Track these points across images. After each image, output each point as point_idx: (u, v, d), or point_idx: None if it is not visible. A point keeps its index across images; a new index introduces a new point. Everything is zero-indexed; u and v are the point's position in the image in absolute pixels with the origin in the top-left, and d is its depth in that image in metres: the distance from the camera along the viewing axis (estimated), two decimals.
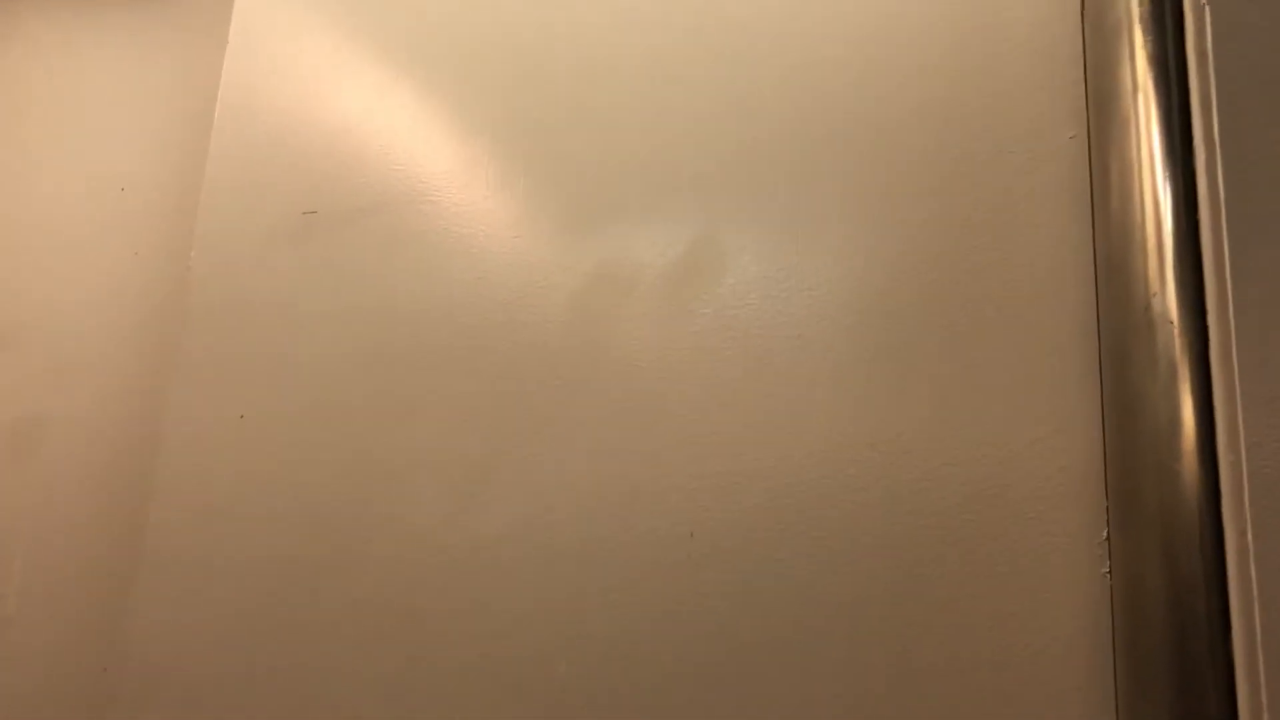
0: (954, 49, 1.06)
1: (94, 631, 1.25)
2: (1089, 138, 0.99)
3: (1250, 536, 0.76)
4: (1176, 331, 0.82)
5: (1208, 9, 0.86)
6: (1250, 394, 0.78)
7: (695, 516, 1.03)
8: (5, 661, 1.26)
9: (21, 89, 1.45)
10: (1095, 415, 0.93)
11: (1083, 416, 0.93)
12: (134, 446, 1.28)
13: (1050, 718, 0.88)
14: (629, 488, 1.06)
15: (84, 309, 1.34)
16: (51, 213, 1.37)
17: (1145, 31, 0.90)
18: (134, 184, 1.37)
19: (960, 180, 1.03)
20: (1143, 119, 0.90)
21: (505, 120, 1.22)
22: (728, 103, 1.14)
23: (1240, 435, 0.77)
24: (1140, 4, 0.91)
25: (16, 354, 1.33)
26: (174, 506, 1.23)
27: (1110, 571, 0.88)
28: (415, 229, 1.23)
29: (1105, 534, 0.89)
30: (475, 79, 1.25)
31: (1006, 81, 1.04)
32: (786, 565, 0.99)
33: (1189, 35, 0.88)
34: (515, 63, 1.24)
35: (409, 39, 1.28)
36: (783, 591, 0.99)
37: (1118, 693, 0.84)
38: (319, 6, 1.32)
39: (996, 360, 0.98)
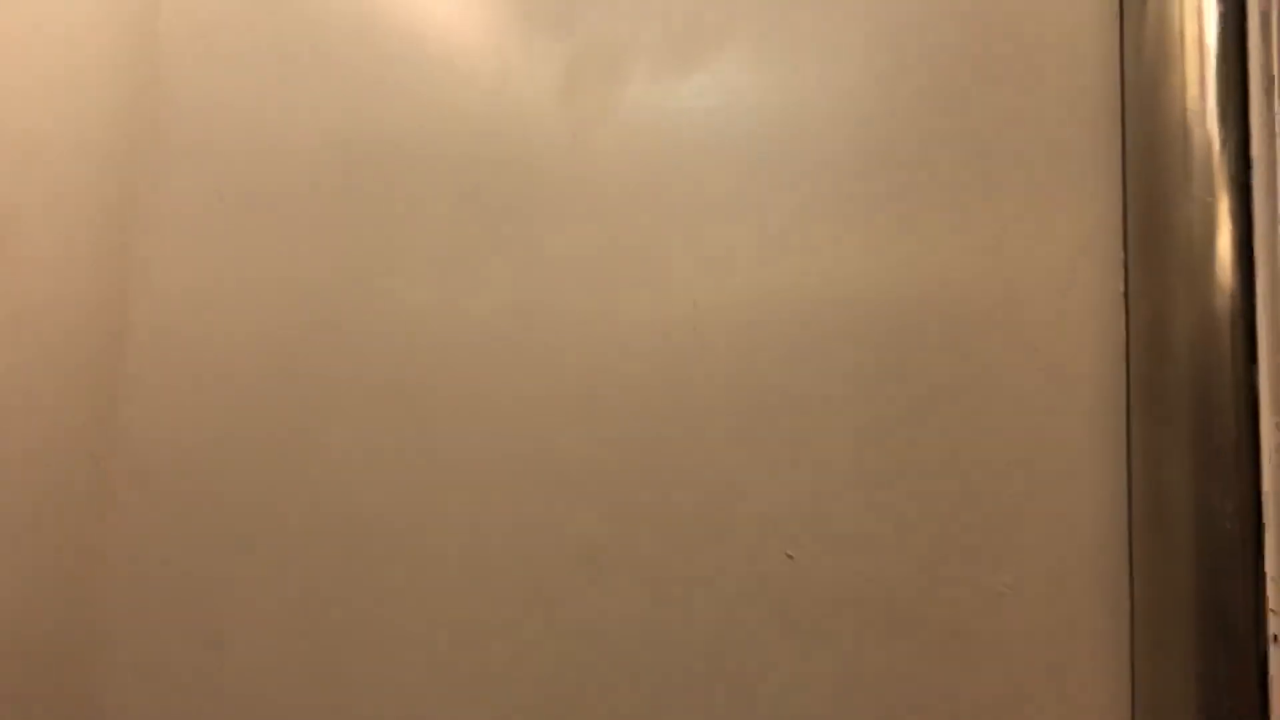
0: None
1: (83, 420, 1.23)
2: None
3: None
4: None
5: None
6: None
7: (699, 288, 1.00)
8: None
9: None
10: (1115, 170, 0.89)
11: (1103, 177, 0.89)
12: (112, 232, 1.24)
13: (1061, 457, 0.87)
14: (630, 264, 1.03)
15: (50, 93, 1.27)
16: None
17: None
18: None
19: None
20: None
21: None
22: None
23: (1278, 156, 0.73)
24: None
25: None
26: (157, 289, 1.20)
27: (1127, 326, 0.85)
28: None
29: (1123, 290, 0.86)
30: None
31: None
32: (791, 338, 0.97)
33: None
34: None
35: None
36: (786, 358, 0.96)
37: (1130, 425, 0.83)
38: None
39: (1009, 158, 0.93)
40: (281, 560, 1.11)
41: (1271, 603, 0.71)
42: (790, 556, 0.94)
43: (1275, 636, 0.71)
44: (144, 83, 1.25)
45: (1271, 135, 0.75)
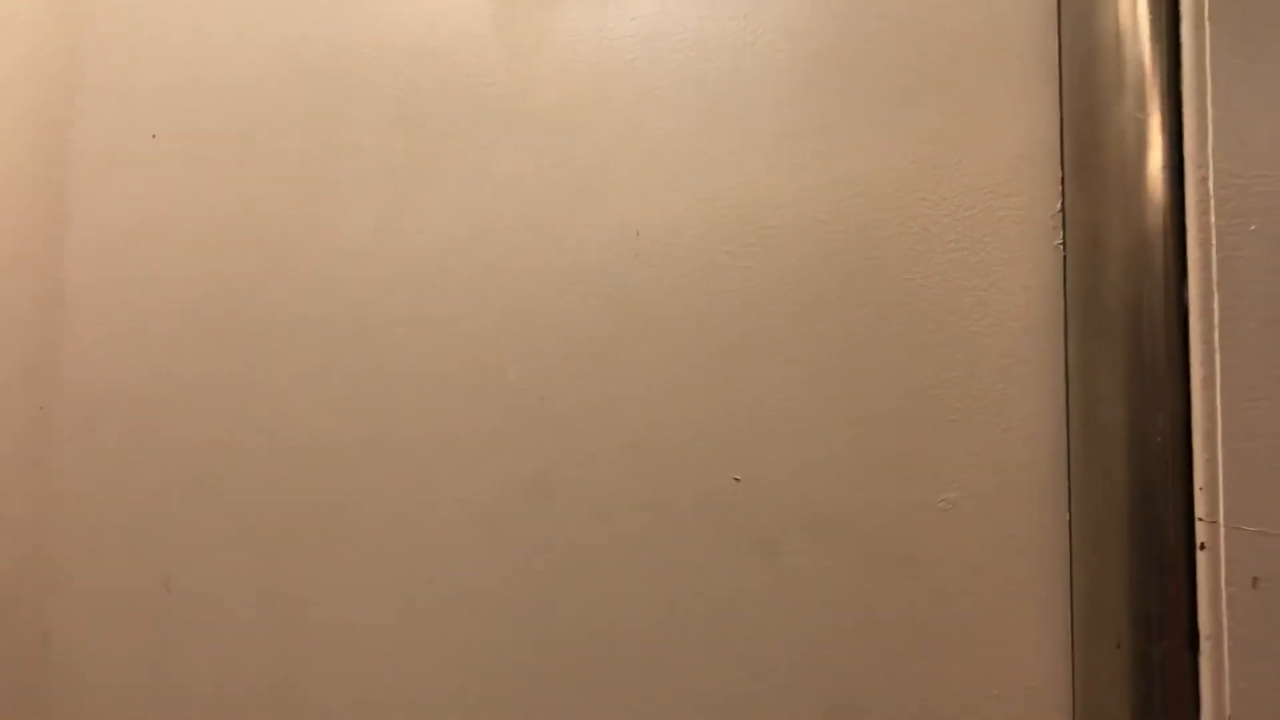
0: None
1: (24, 366, 1.21)
2: None
3: (1211, 184, 0.74)
4: None
5: None
6: (1220, 39, 0.75)
7: (640, 215, 1.00)
8: None
9: None
10: (1053, 86, 0.89)
11: (1041, 94, 0.89)
12: (45, 175, 1.20)
13: (1003, 384, 0.88)
14: (570, 192, 1.02)
15: None
16: None
17: None
18: None
19: None
20: None
21: None
22: None
23: (1208, 75, 0.74)
24: None
25: None
26: (94, 232, 1.17)
27: (1064, 243, 0.86)
28: None
29: (1060, 206, 0.87)
30: None
31: None
32: (734, 258, 0.97)
33: None
34: None
35: None
36: (729, 283, 0.97)
37: (1068, 348, 0.84)
38: None
39: (947, 75, 0.92)
40: (230, 498, 1.11)
41: (1199, 511, 0.74)
42: (737, 479, 0.95)
43: (1202, 544, 0.73)
44: (66, 25, 1.21)
45: (1202, 51, 0.75)
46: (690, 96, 0.99)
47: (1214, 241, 0.73)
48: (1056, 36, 0.87)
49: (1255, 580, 0.72)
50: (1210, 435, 0.74)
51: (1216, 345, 0.73)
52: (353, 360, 1.07)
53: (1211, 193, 0.73)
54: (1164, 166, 0.76)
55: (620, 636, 0.98)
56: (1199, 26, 0.75)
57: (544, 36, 1.04)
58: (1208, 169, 0.73)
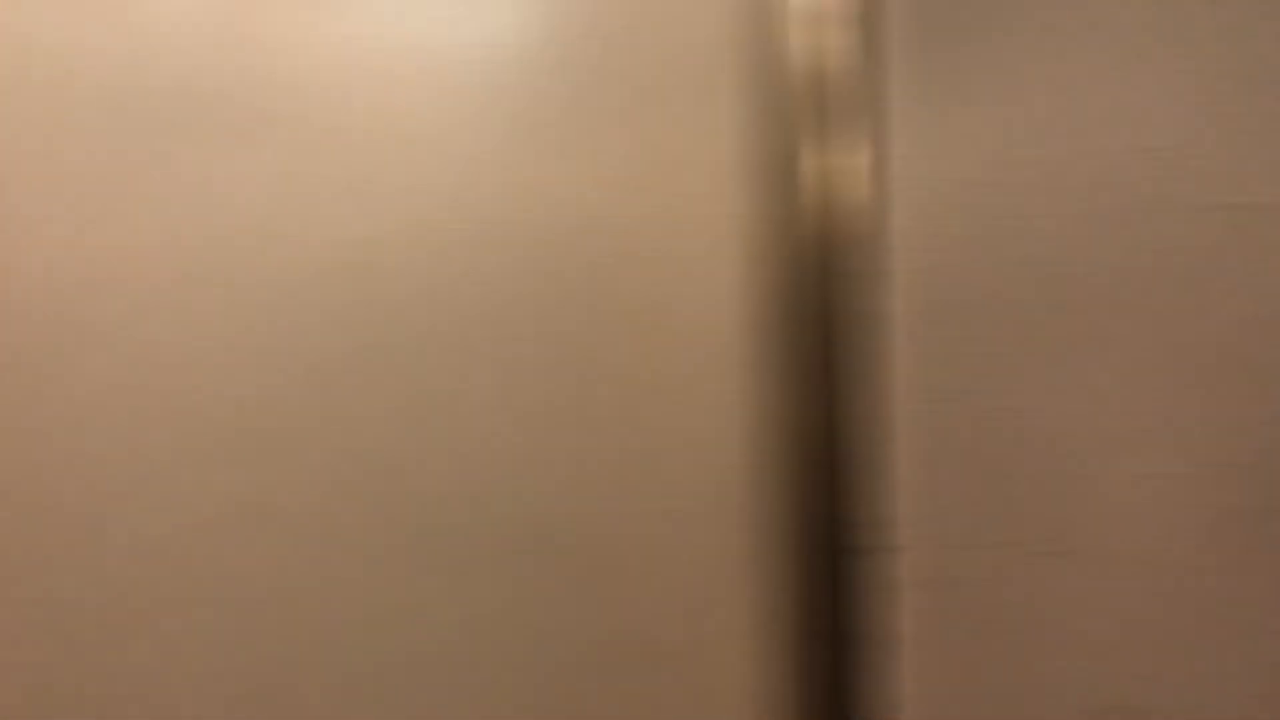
0: None
1: None
2: None
3: (897, 197, 0.77)
4: None
5: None
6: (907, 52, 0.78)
7: (355, 225, 0.97)
8: None
9: None
10: (753, 106, 0.91)
11: (743, 113, 0.91)
12: None
13: (702, 391, 0.89)
14: (290, 198, 0.98)
15: None
16: None
17: None
18: None
19: None
20: None
21: None
22: None
23: (897, 91, 0.77)
24: None
25: None
26: None
27: (760, 252, 0.88)
28: None
29: (759, 216, 0.89)
30: None
31: None
32: (437, 277, 0.95)
33: None
34: None
35: None
36: (446, 297, 0.95)
37: (764, 355, 0.86)
38: None
39: (659, 74, 0.94)
40: None
41: (876, 515, 0.76)
42: (449, 498, 0.93)
43: (877, 548, 0.76)
44: None
45: (883, 67, 0.79)
46: (420, 108, 0.98)
47: (901, 251, 0.76)
48: (757, 55, 0.89)
49: (928, 583, 0.75)
50: (888, 442, 0.76)
51: (901, 353, 0.76)
52: (42, 376, 0.99)
53: (897, 203, 0.76)
54: (860, 178, 0.78)
55: (334, 666, 0.94)
56: (887, 44, 0.78)
57: (278, 41, 1.00)
58: (895, 180, 0.76)
